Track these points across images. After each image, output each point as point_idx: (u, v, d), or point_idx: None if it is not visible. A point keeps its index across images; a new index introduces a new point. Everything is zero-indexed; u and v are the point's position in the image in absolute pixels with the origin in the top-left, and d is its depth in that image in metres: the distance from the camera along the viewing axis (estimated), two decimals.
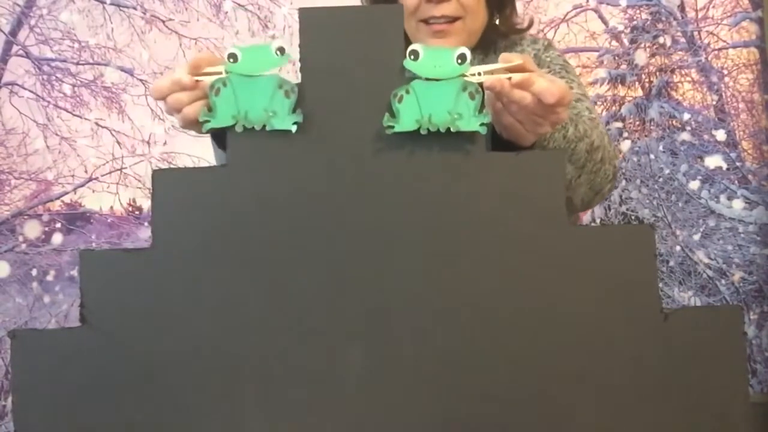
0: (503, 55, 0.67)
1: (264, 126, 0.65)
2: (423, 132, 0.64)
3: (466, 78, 0.65)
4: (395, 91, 0.64)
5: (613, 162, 0.89)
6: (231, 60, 0.66)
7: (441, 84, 0.65)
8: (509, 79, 0.66)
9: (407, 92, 0.64)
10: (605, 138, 0.89)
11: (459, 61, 0.65)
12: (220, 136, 0.69)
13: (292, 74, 0.69)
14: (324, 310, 0.64)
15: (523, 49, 1.02)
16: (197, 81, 0.67)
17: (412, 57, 0.65)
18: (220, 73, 0.66)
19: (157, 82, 0.71)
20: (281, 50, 0.66)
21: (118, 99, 2.30)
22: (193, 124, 0.70)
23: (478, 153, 0.66)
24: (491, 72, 0.66)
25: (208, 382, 0.64)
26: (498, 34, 1.01)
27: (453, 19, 0.94)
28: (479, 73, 0.65)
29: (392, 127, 0.64)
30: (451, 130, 0.64)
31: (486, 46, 1.01)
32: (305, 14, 0.67)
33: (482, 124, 0.64)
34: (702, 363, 0.64)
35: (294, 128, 0.65)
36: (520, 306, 0.64)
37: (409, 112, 0.64)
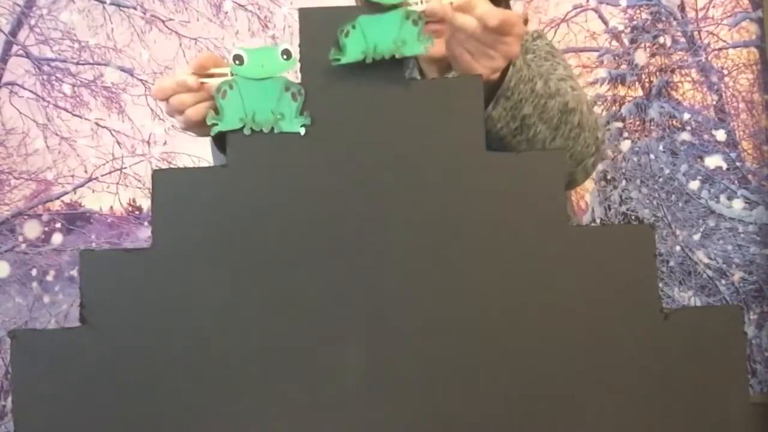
0: None
1: (272, 128, 0.65)
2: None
3: (408, 7, 0.66)
4: (341, 27, 0.65)
5: (594, 132, 0.86)
6: (236, 62, 0.66)
7: (385, 16, 0.66)
8: (451, 3, 0.66)
9: (353, 27, 0.65)
10: (585, 105, 0.85)
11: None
12: (219, 139, 0.69)
13: (292, 74, 0.69)
14: (323, 311, 0.64)
15: None
16: (202, 83, 0.67)
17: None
18: (225, 74, 0.66)
19: (159, 82, 0.70)
20: (287, 54, 0.66)
21: (118, 99, 2.30)
22: (196, 126, 0.70)
23: (477, 153, 0.66)
24: None
25: (208, 382, 0.64)
26: None
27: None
28: (421, 2, 0.66)
29: (338, 60, 0.65)
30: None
31: None
32: (305, 14, 0.67)
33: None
34: (702, 363, 0.64)
35: (302, 131, 0.65)
36: (519, 306, 0.64)
37: (355, 45, 0.65)
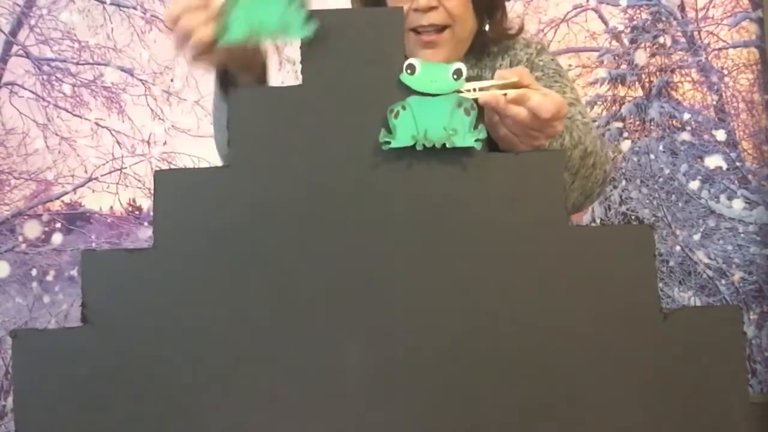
0: (498, 73, 0.68)
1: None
2: (419, 148, 0.64)
3: (461, 94, 0.65)
4: (391, 107, 0.65)
5: (604, 167, 0.90)
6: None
7: (436, 100, 0.65)
8: (505, 94, 0.66)
9: (403, 108, 0.65)
10: (598, 143, 0.89)
11: (455, 76, 0.65)
12: (223, 86, 0.67)
13: (292, 75, 0.69)
14: (324, 310, 0.65)
15: (515, 53, 1.02)
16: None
17: (409, 71, 0.65)
18: None
19: (167, 10, 0.69)
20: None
21: (118, 99, 2.30)
22: (206, 52, 0.68)
23: (477, 154, 0.66)
24: (487, 88, 0.67)
25: (209, 381, 0.64)
26: (489, 39, 1.02)
27: (441, 28, 0.95)
28: (474, 89, 0.66)
29: (389, 142, 0.65)
30: (447, 146, 0.64)
31: (478, 51, 1.02)
32: None
33: (477, 140, 0.65)
34: (701, 363, 0.64)
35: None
36: (519, 306, 0.65)
37: (406, 128, 0.65)
